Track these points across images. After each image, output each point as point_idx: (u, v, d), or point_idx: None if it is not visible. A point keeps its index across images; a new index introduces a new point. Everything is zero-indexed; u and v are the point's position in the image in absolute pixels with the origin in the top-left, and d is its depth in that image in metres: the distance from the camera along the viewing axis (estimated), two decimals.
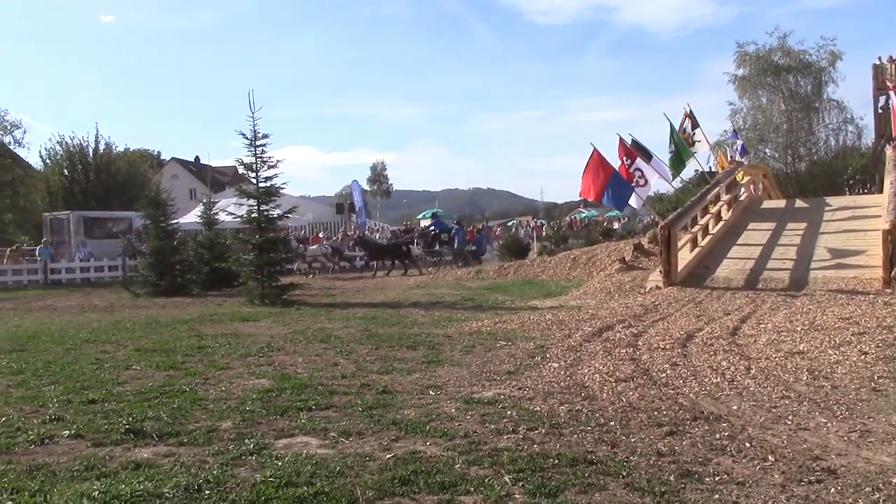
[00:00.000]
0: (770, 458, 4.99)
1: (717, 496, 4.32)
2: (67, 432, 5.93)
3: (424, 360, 8.95)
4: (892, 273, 13.53)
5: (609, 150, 18.69)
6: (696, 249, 17.23)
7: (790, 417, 6.05)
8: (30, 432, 5.95)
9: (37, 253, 26.39)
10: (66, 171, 39.26)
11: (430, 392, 7.24)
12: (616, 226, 42.24)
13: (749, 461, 4.96)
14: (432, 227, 29.77)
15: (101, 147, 40.33)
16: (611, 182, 17.57)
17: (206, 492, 4.51)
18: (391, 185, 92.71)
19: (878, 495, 4.29)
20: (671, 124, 20.04)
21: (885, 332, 9.48)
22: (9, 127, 38.22)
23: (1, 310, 17.67)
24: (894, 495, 4.28)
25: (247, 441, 5.58)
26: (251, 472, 4.86)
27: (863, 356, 8.20)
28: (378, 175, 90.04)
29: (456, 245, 29.47)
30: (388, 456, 5.15)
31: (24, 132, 44.29)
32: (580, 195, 20.73)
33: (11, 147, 39.17)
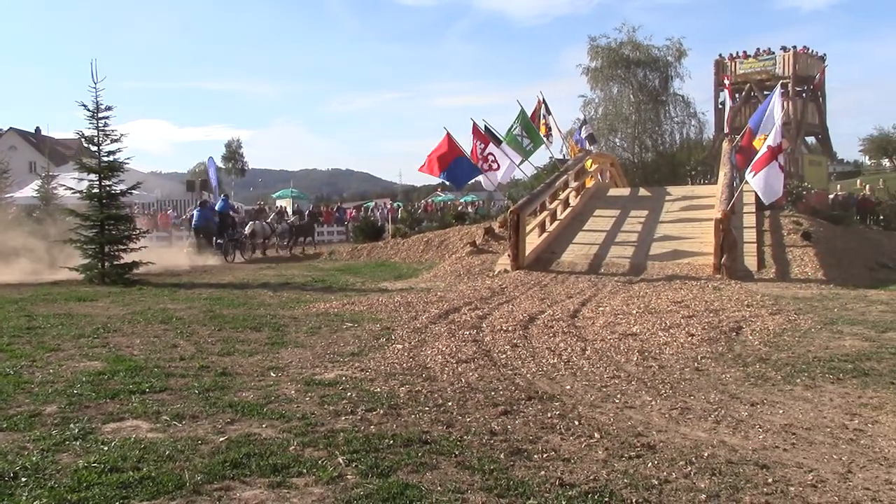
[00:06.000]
0: (596, 435, 5.21)
1: (542, 472, 4.47)
2: None
3: (268, 342, 8.82)
4: (723, 259, 14.39)
5: (464, 135, 18.91)
6: (544, 234, 17.76)
7: (618, 396, 6.33)
8: None
9: None
10: None
11: (271, 374, 7.14)
12: (470, 209, 42.75)
13: (576, 438, 5.15)
14: None
15: None
16: (454, 163, 17.74)
17: (23, 479, 4.29)
18: (246, 163, 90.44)
19: (690, 468, 4.54)
20: (522, 110, 20.48)
21: (711, 315, 10.09)
22: None
23: None
24: (704, 467, 4.56)
25: (72, 426, 5.34)
26: (74, 458, 4.66)
27: (690, 338, 8.69)
28: (233, 153, 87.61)
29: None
30: (221, 439, 5.05)
31: None
32: (419, 170, 20.18)
33: None
